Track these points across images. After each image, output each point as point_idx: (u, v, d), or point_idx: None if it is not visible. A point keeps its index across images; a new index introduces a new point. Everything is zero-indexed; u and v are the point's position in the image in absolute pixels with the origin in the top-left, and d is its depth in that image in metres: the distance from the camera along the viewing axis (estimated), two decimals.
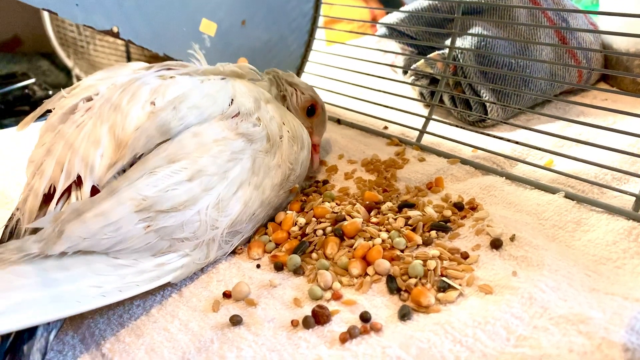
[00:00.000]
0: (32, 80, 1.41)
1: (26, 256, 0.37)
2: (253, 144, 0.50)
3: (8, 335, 0.36)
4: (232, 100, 0.50)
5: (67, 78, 1.71)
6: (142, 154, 0.43)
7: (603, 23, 0.84)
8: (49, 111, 0.48)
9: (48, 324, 0.37)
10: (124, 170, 0.43)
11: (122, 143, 0.43)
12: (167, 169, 0.43)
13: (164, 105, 0.45)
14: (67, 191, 0.42)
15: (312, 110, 0.63)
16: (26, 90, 1.35)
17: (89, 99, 0.47)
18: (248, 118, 0.50)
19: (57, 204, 0.42)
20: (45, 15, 1.57)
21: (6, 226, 0.44)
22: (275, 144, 0.52)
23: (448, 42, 0.73)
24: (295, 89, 0.63)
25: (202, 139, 0.46)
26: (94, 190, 0.42)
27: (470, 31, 0.76)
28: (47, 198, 0.42)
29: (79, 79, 1.63)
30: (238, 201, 0.48)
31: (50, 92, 1.37)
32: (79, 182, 0.42)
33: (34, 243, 0.38)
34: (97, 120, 0.44)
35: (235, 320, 0.42)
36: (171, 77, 0.49)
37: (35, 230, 0.40)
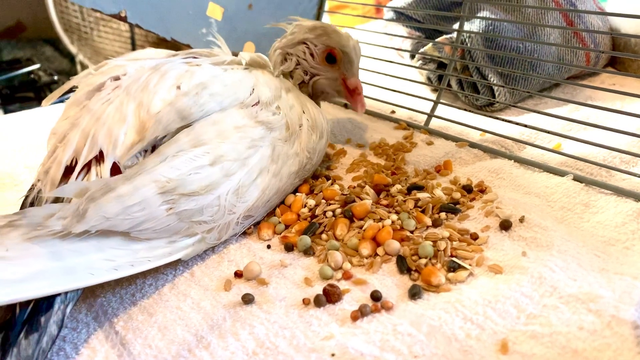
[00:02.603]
0: (37, 66, 1.41)
1: (49, 232, 0.38)
2: (272, 132, 0.50)
3: (26, 305, 0.36)
4: (253, 89, 0.51)
5: (71, 64, 1.71)
6: (164, 138, 0.44)
7: (611, 8, 0.84)
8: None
9: (66, 296, 0.38)
10: (145, 152, 0.44)
11: (145, 124, 0.44)
12: (189, 153, 0.43)
13: (186, 90, 0.46)
14: (87, 166, 0.43)
15: (331, 57, 0.60)
16: (31, 76, 1.35)
17: (117, 78, 0.48)
18: (268, 107, 0.51)
19: (77, 177, 0.42)
20: (49, 1, 1.57)
21: (26, 196, 0.45)
22: (295, 133, 0.52)
23: (455, 26, 0.72)
24: (307, 44, 0.60)
25: (223, 125, 0.46)
26: (114, 168, 0.43)
27: (478, 15, 0.76)
28: (68, 171, 0.43)
29: (82, 65, 1.63)
30: (257, 188, 0.48)
31: (56, 78, 1.38)
32: (100, 157, 0.43)
33: (58, 220, 0.38)
34: (124, 99, 0.45)
35: (247, 299, 0.42)
36: (197, 65, 0.49)
37: (56, 200, 0.41)
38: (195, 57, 0.52)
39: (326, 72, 0.60)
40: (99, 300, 0.44)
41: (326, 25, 0.60)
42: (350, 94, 0.61)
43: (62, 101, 0.83)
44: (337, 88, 0.62)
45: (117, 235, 0.41)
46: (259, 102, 0.50)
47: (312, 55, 0.60)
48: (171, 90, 0.46)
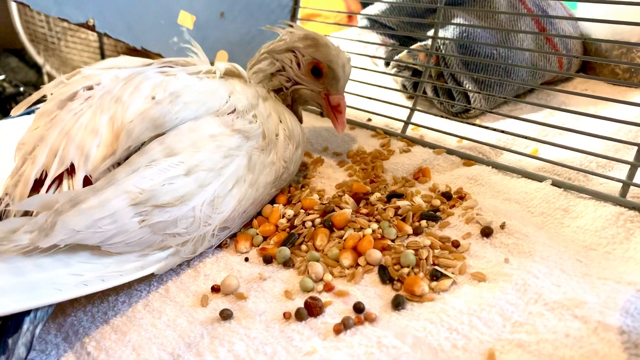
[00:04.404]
0: (2, 77, 1.37)
1: (15, 247, 0.36)
2: (249, 140, 0.49)
3: None
4: (229, 97, 0.49)
5: (37, 75, 1.67)
6: (137, 148, 0.43)
7: (582, 13, 0.85)
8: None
9: (35, 316, 0.36)
10: (118, 164, 0.42)
11: (118, 137, 0.42)
12: (163, 163, 0.42)
13: (160, 99, 0.44)
14: (59, 179, 0.41)
15: (317, 71, 0.58)
16: None
17: (90, 88, 0.46)
18: (244, 115, 0.49)
19: (47, 191, 0.40)
20: (14, 11, 1.53)
21: None
22: (271, 142, 0.51)
23: (430, 33, 0.72)
24: (295, 53, 0.58)
25: (198, 134, 0.45)
26: (86, 181, 0.41)
27: (452, 22, 0.76)
28: (38, 184, 0.41)
29: (50, 76, 1.60)
30: (233, 198, 0.47)
31: (22, 89, 1.34)
32: (71, 170, 0.41)
33: (25, 233, 0.36)
34: (97, 110, 0.43)
35: (226, 315, 0.40)
36: (173, 75, 0.48)
37: (25, 214, 0.39)
38: (171, 67, 0.50)
39: (310, 84, 0.58)
40: (69, 319, 0.42)
41: (318, 37, 0.57)
42: (332, 111, 0.59)
43: (28, 113, 0.80)
44: (320, 101, 0.60)
45: (86, 249, 0.39)
46: (235, 110, 0.49)
47: (298, 64, 0.58)
48: (146, 101, 0.44)
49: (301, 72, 0.58)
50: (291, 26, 0.60)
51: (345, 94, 0.61)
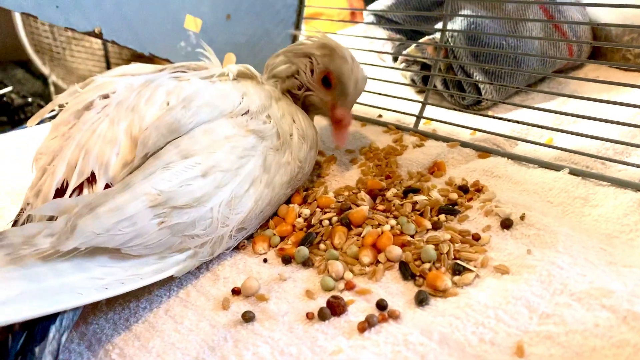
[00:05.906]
0: (9, 89, 1.38)
1: (36, 251, 0.36)
2: (264, 141, 0.49)
3: (20, 335, 0.34)
4: (243, 98, 0.49)
5: (44, 86, 1.68)
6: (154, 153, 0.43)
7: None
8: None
9: (60, 324, 0.36)
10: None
11: (137, 143, 0.42)
12: (181, 164, 0.42)
13: (174, 104, 0.45)
14: (79, 188, 0.41)
15: (327, 81, 0.57)
16: (4, 99, 1.32)
17: (105, 97, 0.46)
18: (258, 116, 0.49)
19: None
20: (19, 22, 1.53)
21: (16, 221, 0.43)
22: (286, 142, 0.51)
23: (437, 26, 0.72)
24: (311, 59, 0.58)
25: (214, 135, 0.45)
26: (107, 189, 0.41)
27: (459, 14, 0.75)
28: (59, 194, 0.41)
29: (56, 85, 1.60)
30: (249, 199, 0.47)
31: (30, 100, 1.34)
32: (92, 179, 0.41)
33: (45, 237, 0.36)
34: (114, 119, 0.44)
35: (248, 317, 0.40)
36: (186, 80, 0.48)
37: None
38: (183, 72, 0.51)
39: (319, 93, 0.58)
40: (92, 327, 0.42)
41: (337, 49, 0.56)
42: (335, 123, 0.59)
43: (37, 123, 0.80)
44: (327, 112, 0.59)
45: (104, 253, 0.39)
46: (248, 111, 0.49)
47: (312, 71, 0.57)
48: (162, 107, 0.45)
49: (313, 79, 0.57)
50: (300, 29, 0.60)
51: None
